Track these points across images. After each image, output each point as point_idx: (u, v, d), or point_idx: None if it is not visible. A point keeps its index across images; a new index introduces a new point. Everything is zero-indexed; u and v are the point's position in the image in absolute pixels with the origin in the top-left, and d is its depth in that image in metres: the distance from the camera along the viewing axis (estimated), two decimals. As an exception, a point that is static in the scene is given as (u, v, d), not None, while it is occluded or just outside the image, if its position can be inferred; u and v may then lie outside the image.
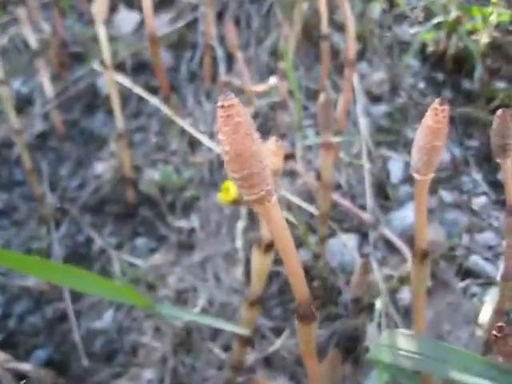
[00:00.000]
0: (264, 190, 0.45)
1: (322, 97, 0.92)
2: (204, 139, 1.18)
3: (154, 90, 1.51)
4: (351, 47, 1.13)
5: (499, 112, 0.75)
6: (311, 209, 1.12)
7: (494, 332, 0.60)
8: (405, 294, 1.07)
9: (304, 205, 1.12)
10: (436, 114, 0.57)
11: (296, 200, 1.11)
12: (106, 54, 1.11)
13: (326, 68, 1.24)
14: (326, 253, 1.09)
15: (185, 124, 1.17)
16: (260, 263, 0.73)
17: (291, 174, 1.24)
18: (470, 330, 0.98)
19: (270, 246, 0.72)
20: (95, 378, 1.07)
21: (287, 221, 1.08)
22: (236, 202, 0.91)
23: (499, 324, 0.60)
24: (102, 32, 1.09)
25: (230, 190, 0.89)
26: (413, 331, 0.79)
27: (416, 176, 0.63)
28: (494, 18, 1.40)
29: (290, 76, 1.07)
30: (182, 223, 1.21)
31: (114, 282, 0.83)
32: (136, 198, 1.28)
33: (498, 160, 0.79)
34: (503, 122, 0.75)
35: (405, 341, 0.73)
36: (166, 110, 1.17)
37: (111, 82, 1.13)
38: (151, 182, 1.24)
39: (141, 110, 1.46)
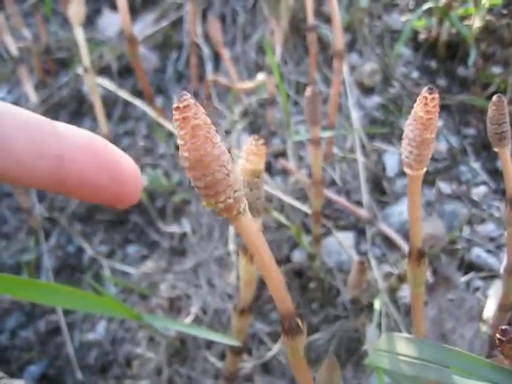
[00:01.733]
0: (231, 198, 0.42)
1: (308, 91, 0.88)
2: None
3: (140, 93, 1.47)
4: (338, 38, 1.09)
5: (494, 98, 0.71)
6: (304, 208, 1.08)
7: (498, 335, 0.56)
8: (405, 292, 1.04)
9: (297, 204, 1.08)
10: (426, 104, 0.53)
11: (289, 199, 1.08)
12: (86, 57, 1.07)
13: (315, 60, 1.20)
14: (321, 252, 1.05)
15: (171, 126, 1.13)
16: (247, 271, 0.70)
17: (283, 173, 1.20)
18: (474, 327, 0.94)
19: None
20: (90, 393, 1.04)
21: (279, 222, 1.03)
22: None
23: (503, 327, 0.56)
24: (79, 35, 1.05)
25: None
26: (413, 334, 0.75)
27: (408, 171, 0.59)
28: (486, 2, 1.36)
29: (275, 71, 1.03)
30: (173, 228, 1.18)
31: (102, 297, 0.80)
32: (126, 205, 1.24)
33: (496, 149, 0.75)
34: (499, 109, 0.71)
35: (404, 345, 0.69)
36: (151, 112, 1.13)
37: (93, 86, 1.10)
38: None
39: (128, 114, 1.42)
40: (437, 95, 0.53)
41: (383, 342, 0.71)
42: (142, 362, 1.03)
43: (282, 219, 1.04)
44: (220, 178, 0.41)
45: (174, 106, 0.39)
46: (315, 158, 0.91)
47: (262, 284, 1.09)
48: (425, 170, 0.59)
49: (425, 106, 0.53)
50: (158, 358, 1.01)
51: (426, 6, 1.37)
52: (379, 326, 0.95)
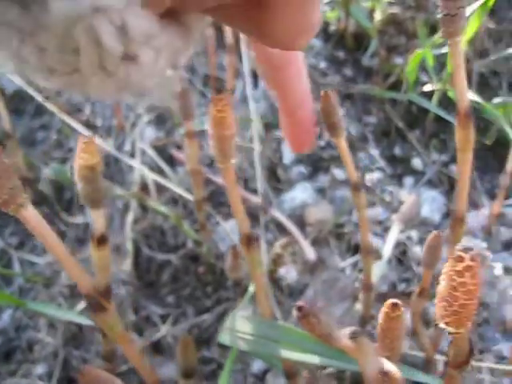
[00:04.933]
0: (6, 195, 0.47)
1: (178, 87, 0.93)
2: (88, 134, 1.18)
3: (58, 87, 1.51)
4: (230, 33, 1.14)
5: (322, 94, 0.77)
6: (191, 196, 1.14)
7: (295, 311, 0.62)
8: (291, 274, 1.10)
9: (185, 194, 1.13)
10: (216, 105, 0.59)
11: (179, 190, 1.13)
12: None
13: (213, 55, 1.24)
14: (211, 238, 1.11)
15: (70, 120, 1.17)
16: (97, 257, 0.75)
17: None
18: (345, 306, 1.01)
19: (101, 240, 0.74)
20: (-7, 377, 1.09)
21: (160, 212, 1.08)
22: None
23: (298, 304, 0.62)
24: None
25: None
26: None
27: (218, 165, 0.65)
28: (387, -5, 1.42)
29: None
30: (79, 219, 1.23)
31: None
32: (36, 197, 1.29)
33: (333, 140, 0.81)
34: (327, 102, 0.76)
35: (243, 323, 0.75)
36: (51, 107, 1.18)
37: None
38: (48, 180, 1.25)
39: (45, 108, 1.46)
40: (225, 96, 0.58)
41: (229, 320, 0.78)
42: (42, 346, 1.08)
43: (163, 209, 1.09)
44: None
45: None
46: (191, 149, 0.97)
47: (159, 269, 1.15)
48: (233, 162, 0.64)
49: (215, 106, 0.58)
50: (55, 342, 1.07)
51: (326, -1, 1.42)
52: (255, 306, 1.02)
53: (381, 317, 0.56)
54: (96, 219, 0.75)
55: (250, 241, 0.71)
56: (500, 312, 1.15)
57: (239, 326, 0.75)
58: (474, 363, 1.02)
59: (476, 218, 1.26)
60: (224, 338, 0.76)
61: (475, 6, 1.23)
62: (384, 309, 0.55)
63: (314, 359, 0.70)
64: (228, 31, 1.13)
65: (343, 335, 0.66)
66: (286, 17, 0.41)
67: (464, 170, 0.76)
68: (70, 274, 0.57)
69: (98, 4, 0.33)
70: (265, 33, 0.43)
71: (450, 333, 0.48)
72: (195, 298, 1.12)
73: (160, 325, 1.07)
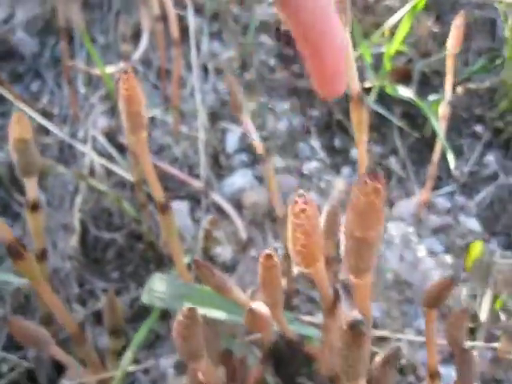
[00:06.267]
0: None
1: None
2: (45, 122, 1.26)
3: (20, 77, 1.58)
4: (174, 29, 1.22)
5: (225, 79, 0.85)
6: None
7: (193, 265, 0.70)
8: (226, 252, 1.18)
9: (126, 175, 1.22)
10: (124, 83, 0.67)
11: (125, 174, 1.22)
12: None
13: (163, 48, 1.32)
14: (152, 218, 1.19)
15: (28, 109, 1.25)
16: (31, 221, 0.82)
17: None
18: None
19: (35, 206, 0.81)
20: None
21: (102, 191, 1.15)
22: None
23: (195, 258, 0.70)
24: None
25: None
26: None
27: (129, 136, 0.73)
28: None
29: (98, 62, 1.17)
30: (32, 200, 1.30)
31: None
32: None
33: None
34: (230, 86, 0.85)
35: (161, 284, 0.83)
36: (8, 95, 1.25)
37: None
38: (3, 163, 1.32)
39: (5, 97, 1.53)
40: (132, 76, 0.67)
41: (151, 281, 0.86)
42: (-9, 317, 1.15)
43: (105, 189, 1.18)
44: None
45: None
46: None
47: (105, 247, 1.23)
48: (144, 134, 0.72)
49: (123, 85, 0.66)
50: (3, 311, 1.14)
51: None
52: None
53: (259, 268, 0.65)
54: (30, 188, 0.83)
55: (164, 208, 0.80)
56: (422, 291, 1.24)
57: (157, 287, 0.83)
58: (394, 335, 1.12)
59: (406, 206, 1.36)
60: (145, 297, 0.84)
61: (407, 8, 1.34)
62: (260, 259, 0.63)
63: (221, 314, 0.79)
64: (174, 25, 1.21)
65: (235, 288, 0.74)
66: None
67: (360, 149, 0.85)
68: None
69: None
70: None
71: (303, 273, 0.56)
72: (138, 274, 1.20)
73: (102, 297, 1.15)
